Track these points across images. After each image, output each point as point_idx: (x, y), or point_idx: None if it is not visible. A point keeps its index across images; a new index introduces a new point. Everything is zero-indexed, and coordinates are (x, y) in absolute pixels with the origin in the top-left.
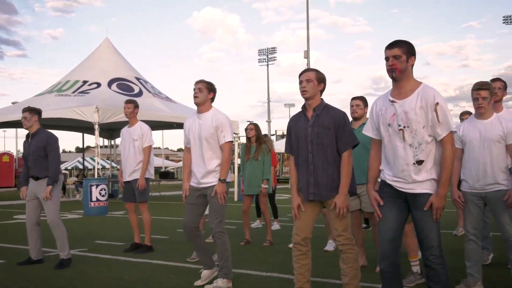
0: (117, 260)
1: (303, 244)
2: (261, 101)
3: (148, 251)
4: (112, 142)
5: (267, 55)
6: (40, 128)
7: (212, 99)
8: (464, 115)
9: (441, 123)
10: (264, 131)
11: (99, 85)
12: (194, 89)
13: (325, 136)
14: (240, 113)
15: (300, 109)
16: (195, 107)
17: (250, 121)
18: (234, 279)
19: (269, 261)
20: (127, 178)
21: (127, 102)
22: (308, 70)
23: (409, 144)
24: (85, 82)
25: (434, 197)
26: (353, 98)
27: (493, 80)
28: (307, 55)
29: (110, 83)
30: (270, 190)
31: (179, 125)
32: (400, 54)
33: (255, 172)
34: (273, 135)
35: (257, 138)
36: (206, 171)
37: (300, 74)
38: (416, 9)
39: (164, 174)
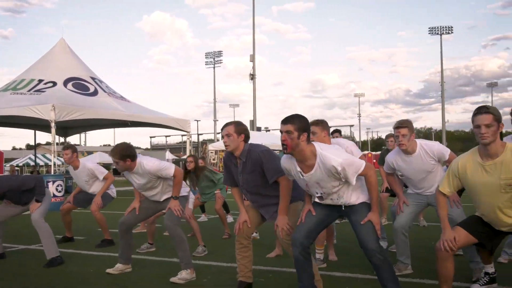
0: (79, 254)
1: (245, 238)
2: (207, 101)
3: (109, 245)
4: (67, 139)
5: (214, 58)
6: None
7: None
8: (389, 137)
9: (350, 176)
10: (210, 129)
11: (54, 84)
12: (117, 163)
13: (254, 177)
14: (188, 113)
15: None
16: (148, 106)
17: (190, 155)
18: (196, 270)
19: (227, 253)
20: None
21: (64, 148)
22: (228, 124)
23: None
24: (40, 81)
25: (371, 215)
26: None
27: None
28: (253, 58)
29: (65, 82)
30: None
31: (133, 123)
32: (292, 130)
33: (207, 188)
34: (219, 133)
35: (197, 169)
36: (161, 197)
37: (222, 129)
38: (351, 19)
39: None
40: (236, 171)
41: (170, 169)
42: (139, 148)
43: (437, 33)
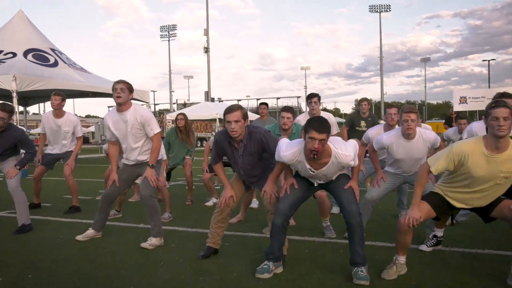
0: (48, 220)
1: (228, 212)
2: (162, 73)
3: (76, 211)
4: (28, 109)
5: (168, 32)
6: (11, 123)
7: (131, 98)
8: (363, 101)
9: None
10: (166, 100)
11: (14, 55)
12: (116, 89)
13: (254, 158)
14: (144, 84)
15: (227, 134)
16: (107, 78)
17: (180, 111)
18: (164, 235)
19: (191, 219)
20: (56, 151)
21: (55, 94)
22: (233, 110)
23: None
24: (0, 51)
25: (352, 182)
26: (284, 110)
27: (389, 106)
28: (206, 32)
29: (25, 53)
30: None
31: (94, 94)
32: (325, 138)
33: (180, 152)
34: (175, 103)
35: (186, 127)
36: (137, 156)
37: (227, 113)
38: None
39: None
40: (232, 153)
41: (157, 127)
42: (97, 117)
43: (377, 11)
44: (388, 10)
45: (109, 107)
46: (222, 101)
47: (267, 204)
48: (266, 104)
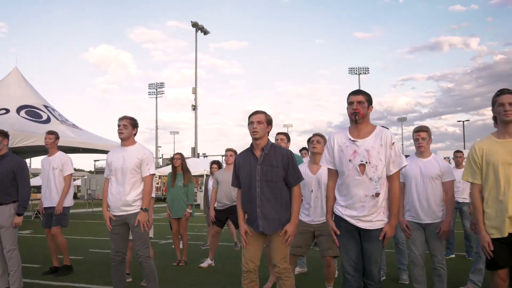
0: (38, 284)
1: (254, 273)
2: (148, 128)
3: (68, 271)
4: None
5: (156, 89)
6: (9, 151)
7: (135, 134)
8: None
9: (394, 163)
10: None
11: (7, 111)
12: (119, 125)
13: (273, 174)
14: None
15: (248, 148)
16: (98, 133)
17: (177, 152)
18: None
19: (184, 280)
20: (48, 204)
21: (49, 133)
22: (258, 112)
23: (369, 178)
24: None
25: (387, 227)
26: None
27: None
28: (195, 91)
29: (18, 110)
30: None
31: (85, 150)
32: (364, 101)
33: (178, 197)
34: (160, 158)
35: (182, 166)
36: (126, 201)
37: (252, 115)
38: (279, 57)
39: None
40: (251, 165)
41: (154, 169)
42: (83, 170)
43: (356, 73)
44: (366, 72)
45: (95, 160)
46: (206, 156)
47: (275, 256)
48: (233, 150)
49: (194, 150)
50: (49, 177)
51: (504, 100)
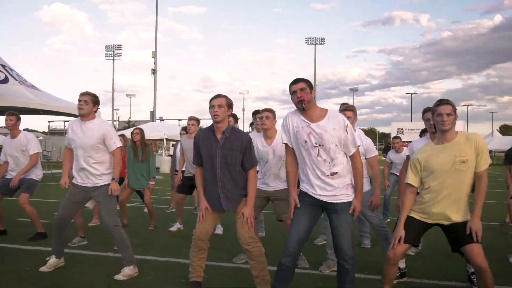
0: (9, 249)
1: (204, 241)
2: (104, 90)
3: (42, 238)
4: None
5: (113, 51)
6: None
7: (95, 111)
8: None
9: (350, 143)
10: (108, 117)
11: None
12: (80, 101)
13: (232, 157)
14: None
15: (209, 128)
16: (57, 95)
17: (137, 127)
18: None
19: (157, 245)
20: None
21: (9, 114)
22: (219, 96)
23: (323, 159)
24: None
25: (355, 201)
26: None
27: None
28: (155, 55)
29: None
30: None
31: (45, 112)
32: (305, 87)
33: (141, 170)
34: (116, 120)
35: (141, 142)
36: (91, 175)
37: (212, 99)
38: (239, 24)
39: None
40: (212, 146)
41: (119, 141)
42: (37, 131)
43: (312, 43)
44: (323, 43)
45: (49, 121)
46: (163, 120)
47: (240, 230)
48: (196, 119)
49: (152, 114)
50: (19, 158)
51: (442, 111)
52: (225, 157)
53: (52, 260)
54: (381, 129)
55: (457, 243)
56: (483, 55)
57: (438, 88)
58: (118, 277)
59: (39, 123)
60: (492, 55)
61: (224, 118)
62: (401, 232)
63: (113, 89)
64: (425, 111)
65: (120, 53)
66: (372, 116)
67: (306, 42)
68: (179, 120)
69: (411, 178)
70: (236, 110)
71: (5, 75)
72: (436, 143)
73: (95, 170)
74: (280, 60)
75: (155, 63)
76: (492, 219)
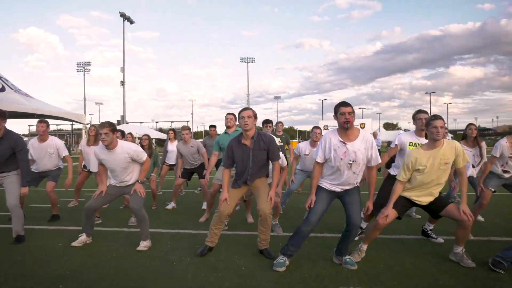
0: (36, 229)
1: (226, 217)
2: (75, 99)
3: (57, 219)
4: None
5: (84, 67)
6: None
7: (117, 137)
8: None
9: (375, 158)
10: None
11: None
12: (101, 134)
13: (261, 155)
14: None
15: (237, 137)
16: (47, 101)
17: (145, 134)
18: (152, 237)
19: (161, 220)
20: (40, 170)
21: (41, 121)
22: (247, 109)
23: (353, 172)
24: None
25: (369, 203)
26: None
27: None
28: (123, 70)
29: None
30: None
31: (38, 116)
32: (353, 111)
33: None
34: (88, 124)
35: (149, 145)
36: (125, 182)
37: (242, 111)
38: (185, 46)
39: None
40: (243, 151)
41: (144, 154)
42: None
43: (245, 62)
44: (253, 61)
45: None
46: (128, 123)
47: (262, 205)
48: (188, 128)
49: (123, 117)
50: (44, 159)
51: (437, 124)
52: (256, 156)
53: (83, 237)
54: (298, 127)
55: (436, 211)
56: (369, 71)
57: (338, 96)
58: (141, 248)
59: (19, 127)
60: (375, 71)
61: (252, 127)
62: (390, 211)
63: (84, 98)
64: (417, 112)
65: (89, 69)
66: (291, 118)
67: (240, 61)
68: (141, 122)
69: (403, 177)
70: (186, 115)
71: (2, 84)
72: (426, 149)
73: (126, 181)
74: (219, 74)
75: (123, 76)
76: None
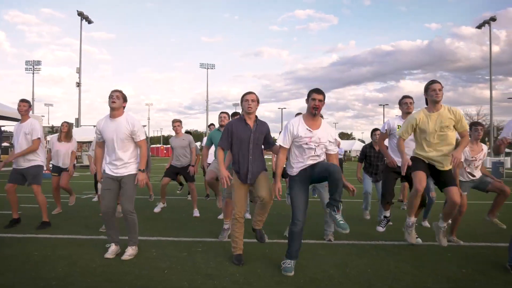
0: (28, 238)
1: (242, 217)
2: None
3: (48, 226)
4: None
5: (33, 66)
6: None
7: (124, 107)
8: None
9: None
10: None
11: None
12: (112, 96)
13: (260, 139)
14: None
15: (238, 118)
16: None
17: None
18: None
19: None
20: (21, 165)
21: (23, 101)
22: (251, 92)
23: (317, 155)
24: None
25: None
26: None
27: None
28: (79, 70)
29: None
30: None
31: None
32: (323, 100)
33: None
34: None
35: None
36: (120, 164)
37: (246, 95)
38: (143, 49)
39: None
40: (245, 130)
41: (143, 133)
42: None
43: (205, 68)
44: (213, 68)
45: None
46: (81, 126)
47: (263, 193)
48: (179, 121)
49: (77, 120)
50: (22, 142)
51: (435, 87)
52: (257, 139)
53: (113, 247)
54: None
55: (443, 185)
56: (325, 82)
57: (295, 105)
58: (125, 257)
59: None
60: (330, 82)
61: (255, 110)
62: (407, 160)
63: (33, 98)
64: (403, 98)
65: (39, 68)
66: None
67: (200, 66)
68: (94, 126)
69: (405, 134)
70: (142, 119)
71: None
72: (428, 111)
73: (124, 160)
74: (179, 79)
75: (79, 77)
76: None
